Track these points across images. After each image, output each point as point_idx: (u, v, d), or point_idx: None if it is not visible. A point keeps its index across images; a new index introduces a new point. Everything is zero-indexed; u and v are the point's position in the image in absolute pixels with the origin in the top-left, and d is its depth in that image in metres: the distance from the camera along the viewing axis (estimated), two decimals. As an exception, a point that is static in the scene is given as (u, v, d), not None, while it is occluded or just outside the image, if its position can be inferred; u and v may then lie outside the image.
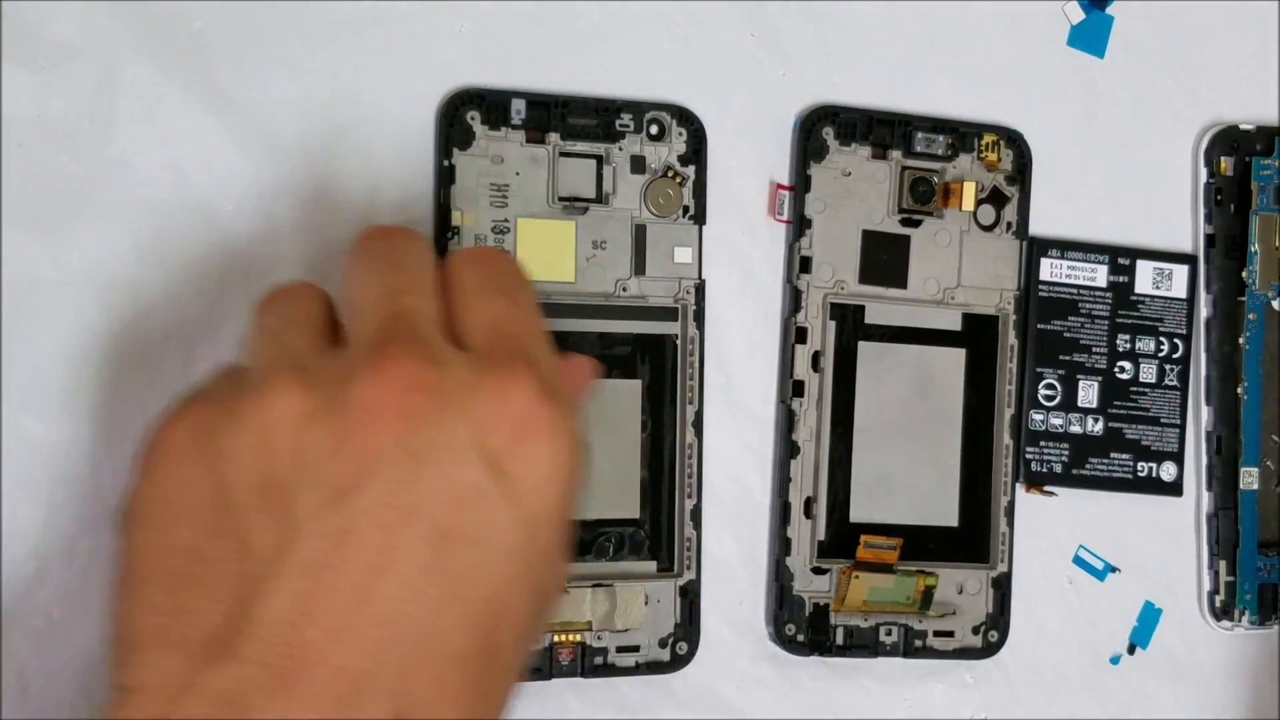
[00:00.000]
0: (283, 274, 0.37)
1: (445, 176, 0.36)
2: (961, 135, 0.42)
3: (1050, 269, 0.43)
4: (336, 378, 0.26)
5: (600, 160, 0.38)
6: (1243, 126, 0.44)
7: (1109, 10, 0.43)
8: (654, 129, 0.38)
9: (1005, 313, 0.42)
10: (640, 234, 0.38)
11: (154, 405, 0.35)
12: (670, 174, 0.38)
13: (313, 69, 0.37)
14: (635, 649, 0.38)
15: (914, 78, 0.42)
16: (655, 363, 0.38)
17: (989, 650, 0.42)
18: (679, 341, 0.38)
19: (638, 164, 0.38)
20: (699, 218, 0.39)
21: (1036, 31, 0.43)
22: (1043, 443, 0.43)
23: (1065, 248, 0.43)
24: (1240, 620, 0.44)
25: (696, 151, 0.38)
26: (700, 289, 0.39)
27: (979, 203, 0.42)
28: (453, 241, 0.36)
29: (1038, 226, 0.43)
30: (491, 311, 0.29)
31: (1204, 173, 0.44)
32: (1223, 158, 0.44)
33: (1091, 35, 0.43)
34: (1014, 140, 0.42)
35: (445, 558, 0.26)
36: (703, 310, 0.39)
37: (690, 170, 0.38)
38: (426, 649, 0.26)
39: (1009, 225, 0.42)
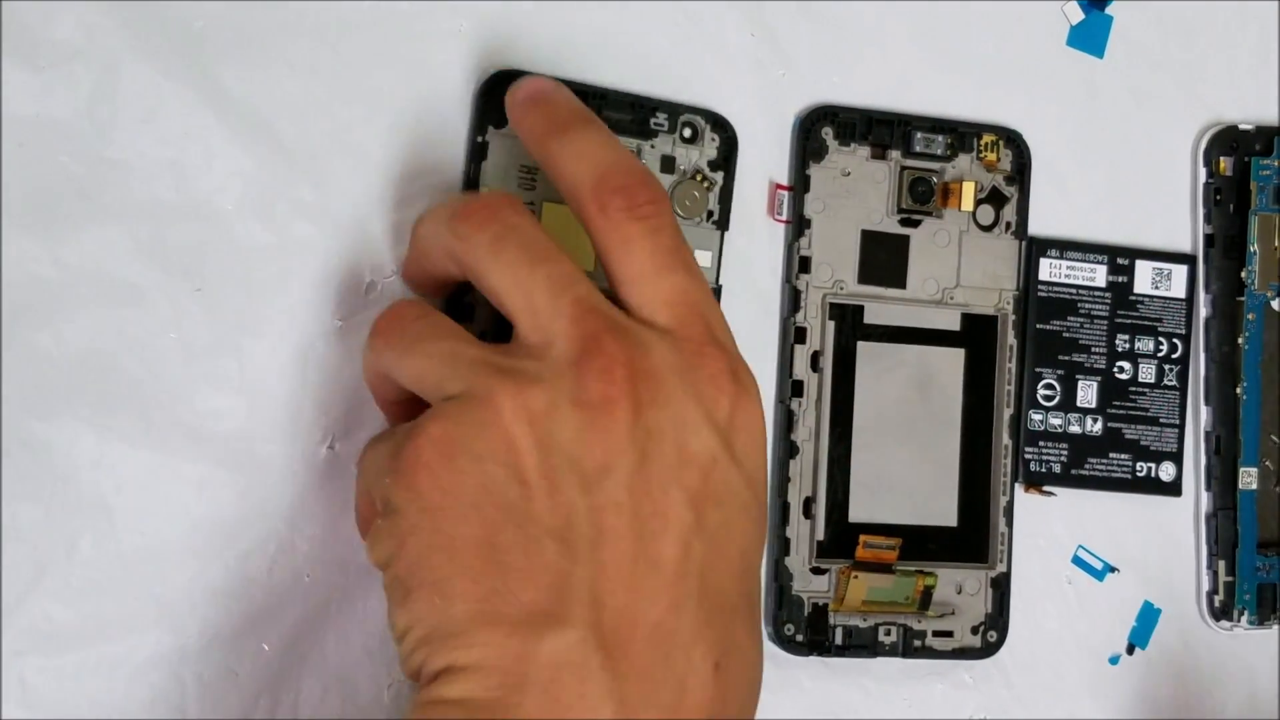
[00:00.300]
0: (283, 273, 0.37)
1: (477, 152, 0.36)
2: (960, 135, 0.42)
3: (1049, 269, 0.43)
4: (557, 375, 0.29)
5: None
6: (1242, 126, 0.44)
7: (1108, 10, 0.43)
8: (687, 131, 0.38)
9: (1004, 313, 0.42)
10: None
11: (154, 405, 0.35)
12: (699, 177, 0.38)
13: (313, 68, 0.37)
14: None
15: (914, 78, 0.42)
16: None
17: (988, 650, 0.42)
18: None
19: (667, 164, 0.38)
20: (722, 224, 0.39)
21: (1036, 31, 0.43)
22: (1041, 443, 0.43)
23: (1064, 248, 0.43)
24: (1239, 620, 0.44)
25: (727, 158, 0.39)
26: (719, 295, 0.38)
27: (978, 203, 0.42)
28: None
29: (1037, 226, 0.43)
30: (671, 288, 0.31)
31: (1203, 172, 0.44)
32: (1222, 157, 0.44)
33: (1091, 35, 0.43)
34: (1013, 140, 0.42)
35: (702, 518, 0.29)
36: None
37: (719, 176, 0.39)
38: (710, 602, 0.29)
39: (1008, 225, 0.42)
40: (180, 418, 0.36)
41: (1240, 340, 0.44)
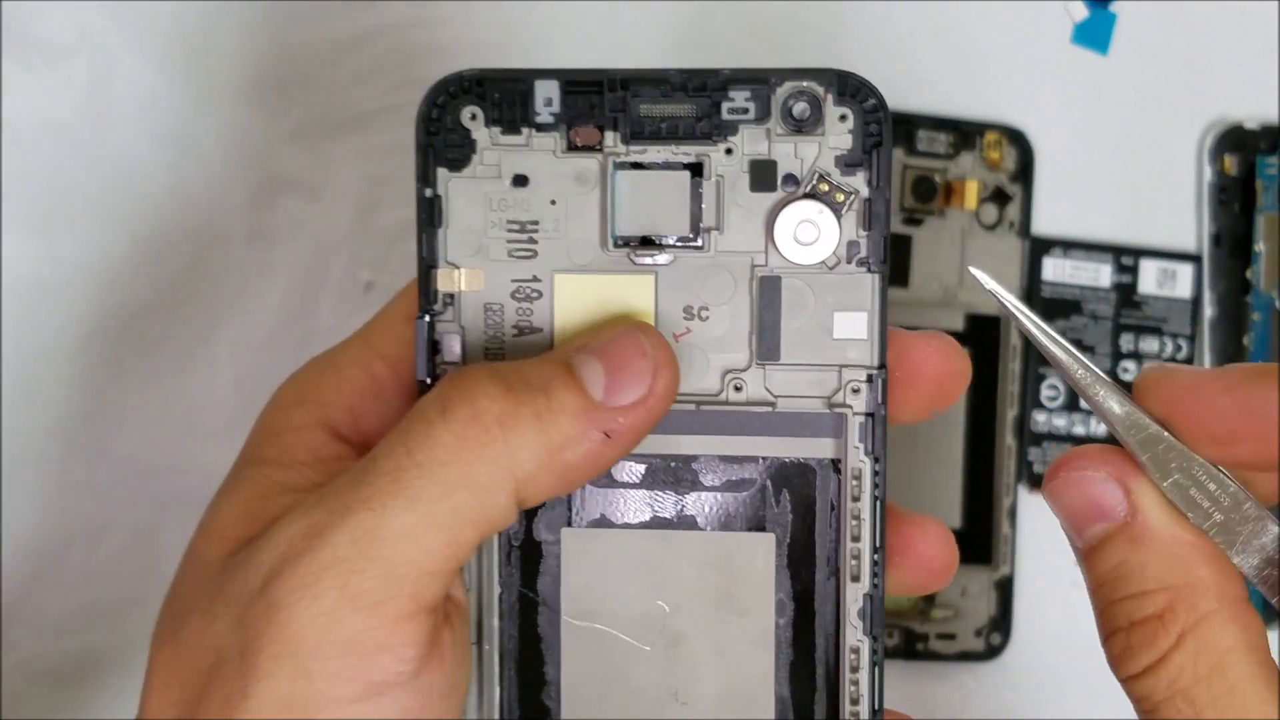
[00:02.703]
0: (279, 273, 0.36)
1: (428, 213, 0.24)
2: (964, 133, 0.41)
3: (1053, 268, 0.42)
4: None
5: (695, 171, 0.24)
6: (1247, 125, 0.44)
7: (1112, 8, 0.43)
8: (798, 109, 0.23)
9: (1008, 313, 0.42)
10: (770, 292, 0.24)
11: (151, 405, 0.35)
12: (825, 188, 0.24)
13: (311, 66, 0.37)
14: None
15: (916, 76, 0.42)
16: (800, 507, 0.25)
17: (991, 653, 0.42)
18: (841, 474, 0.24)
19: (762, 173, 0.24)
20: (875, 262, 0.24)
21: (1040, 29, 0.43)
22: (1046, 444, 0.42)
23: (1068, 247, 0.43)
24: (1245, 623, 0.44)
25: (875, 148, 0.24)
26: (878, 383, 0.24)
27: (981, 202, 0.42)
28: (444, 319, 0.24)
29: (1040, 226, 0.43)
30: None
31: (1209, 171, 0.44)
32: (1227, 156, 0.44)
33: (1095, 32, 0.43)
34: (1017, 138, 0.42)
35: None
36: (880, 423, 0.24)
37: (859, 179, 0.24)
38: None
39: (1012, 224, 0.42)
40: (177, 415, 0.36)
41: (1246, 340, 0.43)
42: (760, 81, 0.23)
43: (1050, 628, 0.43)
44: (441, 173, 0.23)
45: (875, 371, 0.24)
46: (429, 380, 0.23)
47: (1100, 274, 0.43)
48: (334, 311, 0.37)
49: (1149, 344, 0.43)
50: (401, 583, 0.21)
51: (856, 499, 0.24)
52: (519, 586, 0.24)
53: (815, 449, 0.24)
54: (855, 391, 0.24)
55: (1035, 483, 0.43)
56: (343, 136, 0.37)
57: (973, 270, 0.24)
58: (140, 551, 0.35)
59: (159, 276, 0.35)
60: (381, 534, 0.20)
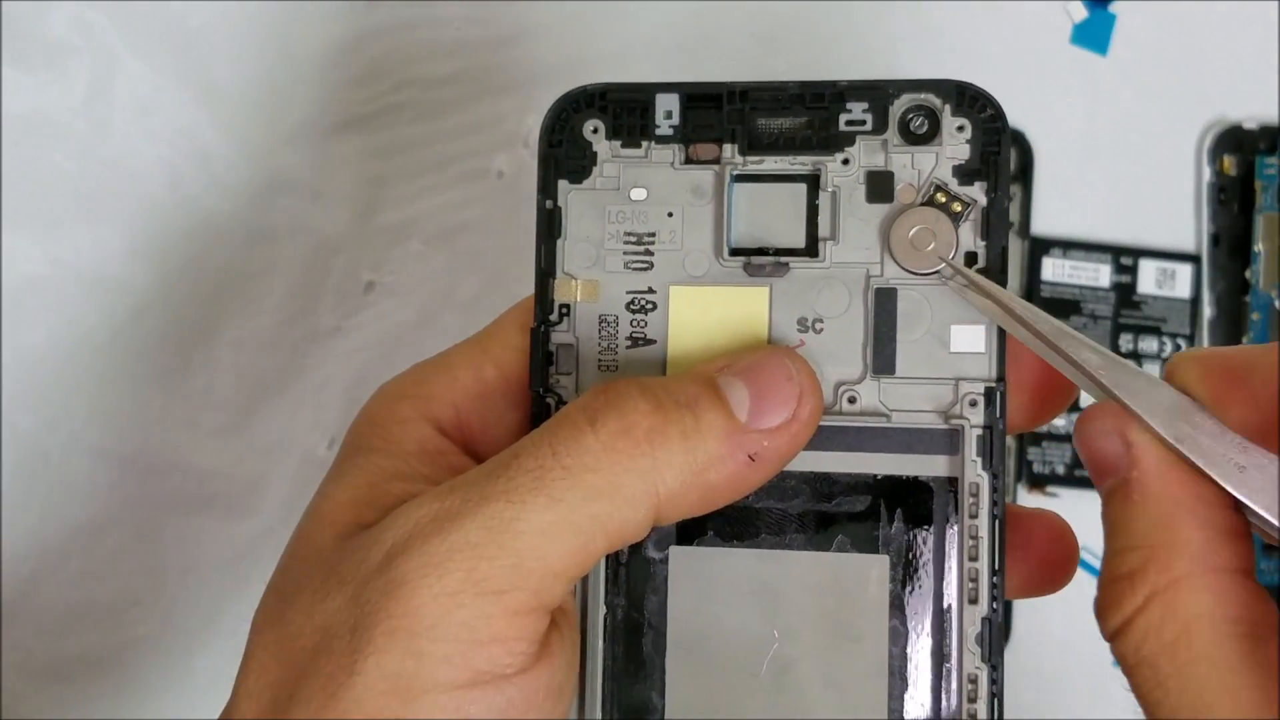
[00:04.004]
0: (279, 273, 0.36)
1: (548, 224, 0.24)
2: (963, 134, 0.41)
3: (1053, 268, 0.42)
4: None
5: (812, 182, 0.24)
6: (1246, 125, 0.44)
7: (1112, 8, 0.43)
8: (916, 122, 0.24)
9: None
10: (885, 304, 0.24)
11: (150, 407, 0.35)
12: (943, 198, 0.24)
13: (312, 66, 0.37)
14: None
15: (915, 76, 0.42)
16: (914, 526, 0.24)
17: (991, 652, 0.42)
18: (958, 491, 0.23)
19: (879, 184, 0.24)
20: (993, 273, 0.23)
21: (1039, 29, 0.43)
22: (1045, 443, 0.42)
23: (1068, 247, 0.43)
24: (1244, 622, 0.44)
25: (992, 155, 0.24)
26: (995, 396, 0.23)
27: (981, 202, 0.42)
28: (560, 329, 0.24)
29: (1040, 226, 0.43)
30: None
31: (1208, 171, 0.44)
32: (1226, 156, 0.44)
33: (1094, 33, 0.43)
34: (1016, 138, 0.42)
35: None
36: (999, 437, 0.23)
37: (977, 190, 0.23)
38: None
39: (1011, 224, 0.42)
40: (177, 415, 0.36)
41: (1245, 341, 0.43)
42: (878, 93, 0.23)
43: (1050, 628, 0.43)
44: (562, 184, 0.24)
45: (994, 385, 0.23)
46: (541, 390, 0.24)
47: (1099, 274, 0.43)
48: (334, 311, 0.37)
49: (1148, 344, 0.43)
50: (528, 577, 0.21)
51: (974, 517, 0.23)
52: (624, 606, 0.24)
53: (930, 466, 0.24)
54: (973, 405, 0.23)
55: (1035, 482, 0.43)
56: (343, 136, 0.37)
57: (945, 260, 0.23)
58: (140, 551, 0.36)
59: (159, 276, 0.35)
60: (517, 527, 0.21)
